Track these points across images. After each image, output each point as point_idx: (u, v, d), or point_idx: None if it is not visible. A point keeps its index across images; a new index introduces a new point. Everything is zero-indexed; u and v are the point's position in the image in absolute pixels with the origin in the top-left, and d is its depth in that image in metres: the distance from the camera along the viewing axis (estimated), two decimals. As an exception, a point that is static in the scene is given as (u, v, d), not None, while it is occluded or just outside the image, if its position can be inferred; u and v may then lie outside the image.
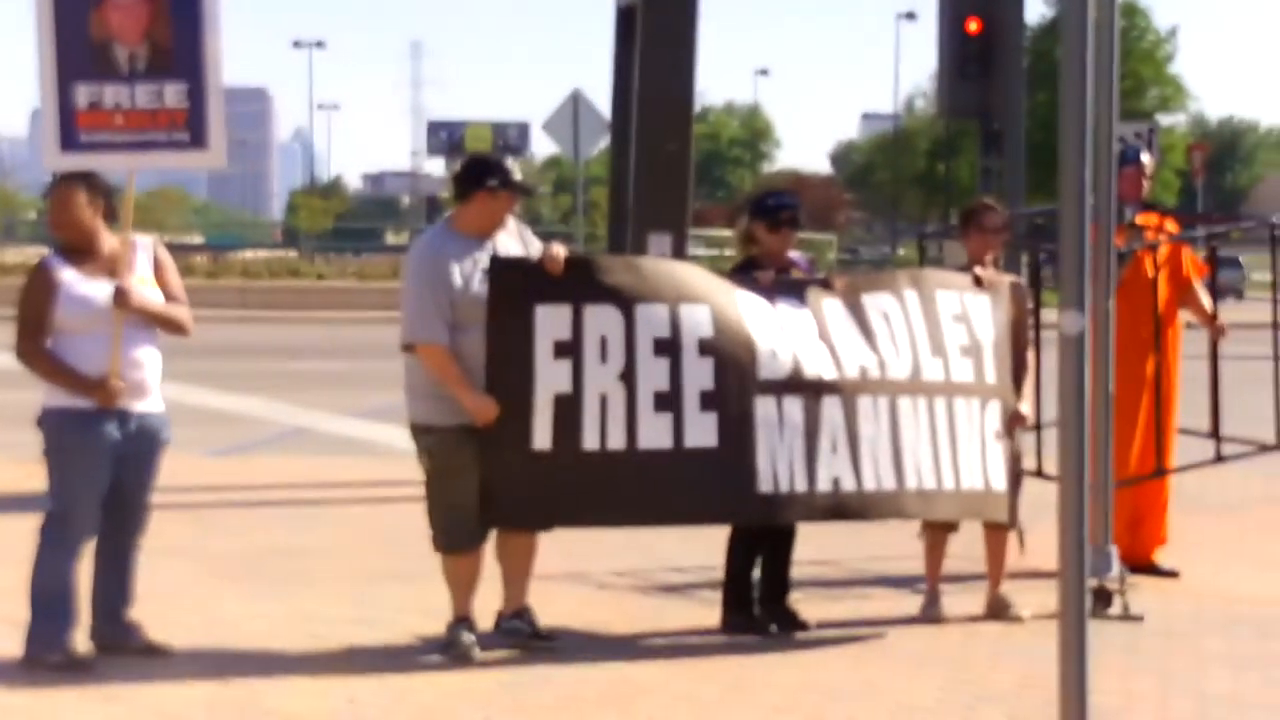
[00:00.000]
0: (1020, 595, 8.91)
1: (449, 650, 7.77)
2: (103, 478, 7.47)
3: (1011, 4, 18.73)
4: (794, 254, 8.74)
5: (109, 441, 7.47)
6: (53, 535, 7.51)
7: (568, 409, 7.73)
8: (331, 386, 20.88)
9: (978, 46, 18.43)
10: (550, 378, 7.72)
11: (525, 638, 7.98)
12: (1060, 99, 5.74)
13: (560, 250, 7.81)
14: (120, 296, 7.43)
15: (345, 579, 9.49)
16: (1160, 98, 76.11)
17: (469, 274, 7.68)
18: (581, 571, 9.73)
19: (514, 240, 7.88)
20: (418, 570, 9.62)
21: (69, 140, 7.65)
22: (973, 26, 18.39)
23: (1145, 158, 10.53)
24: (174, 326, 7.66)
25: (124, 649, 7.66)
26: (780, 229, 8.59)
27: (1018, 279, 9.19)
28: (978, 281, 8.76)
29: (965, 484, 8.47)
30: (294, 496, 12.27)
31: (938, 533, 8.85)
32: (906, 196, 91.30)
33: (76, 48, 7.63)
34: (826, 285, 8.38)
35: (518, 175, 8.00)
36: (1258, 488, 13.27)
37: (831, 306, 8.31)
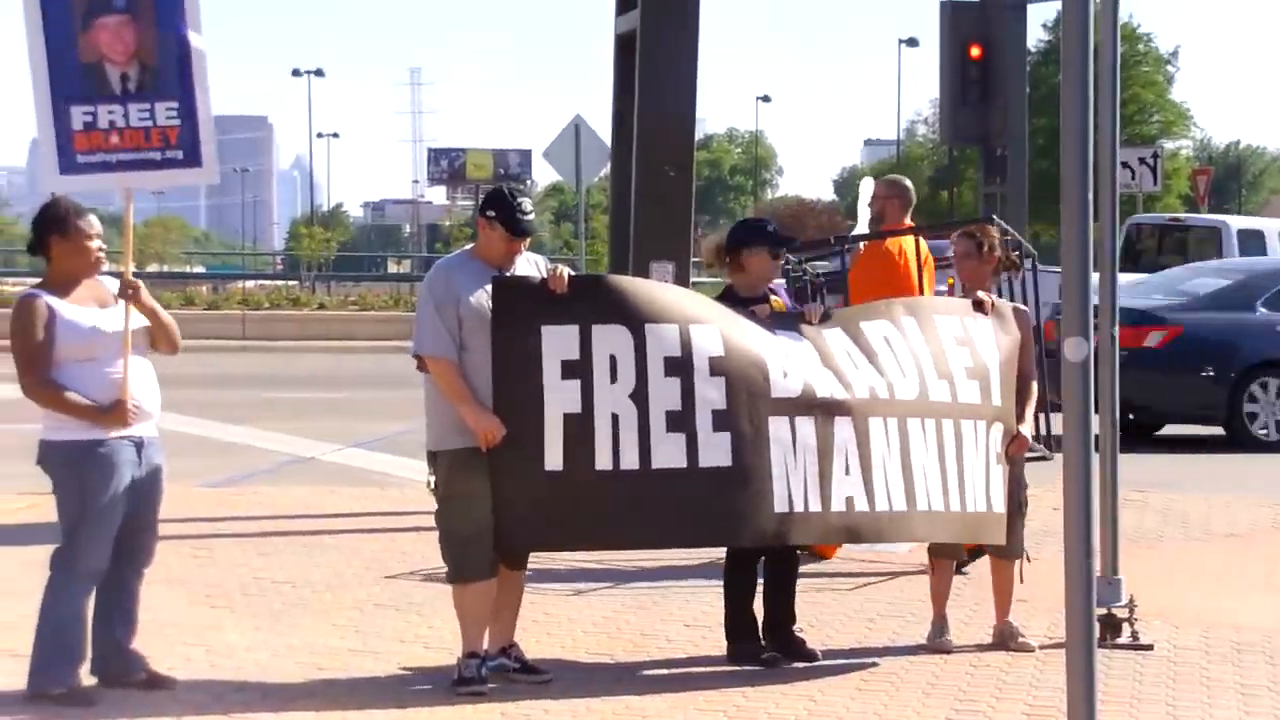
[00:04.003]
0: (1029, 622, 8.86)
1: (460, 686, 7.70)
2: (120, 510, 7.41)
3: (1013, 29, 18.74)
4: (775, 281, 8.74)
5: (128, 471, 7.41)
6: (65, 568, 7.42)
7: (579, 429, 7.67)
8: (332, 416, 20.82)
9: (979, 72, 18.43)
10: (560, 398, 7.67)
11: (511, 674, 7.91)
12: (1061, 123, 5.70)
13: (565, 270, 7.78)
14: (128, 288, 7.37)
15: (347, 610, 9.43)
16: (1163, 123, 76.19)
17: (478, 295, 7.65)
18: (584, 601, 9.68)
19: (530, 270, 7.84)
20: (420, 601, 9.58)
21: (67, 163, 7.62)
22: (974, 52, 18.39)
23: None
24: (171, 337, 7.60)
25: (127, 681, 7.59)
26: (778, 258, 8.59)
27: (1020, 305, 9.13)
28: (979, 306, 8.70)
29: (969, 506, 8.43)
30: (295, 527, 12.21)
31: (942, 560, 8.80)
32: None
33: (69, 70, 7.61)
34: (802, 319, 8.31)
35: (527, 215, 7.81)
36: (1266, 515, 13.21)
37: (832, 333, 8.27)
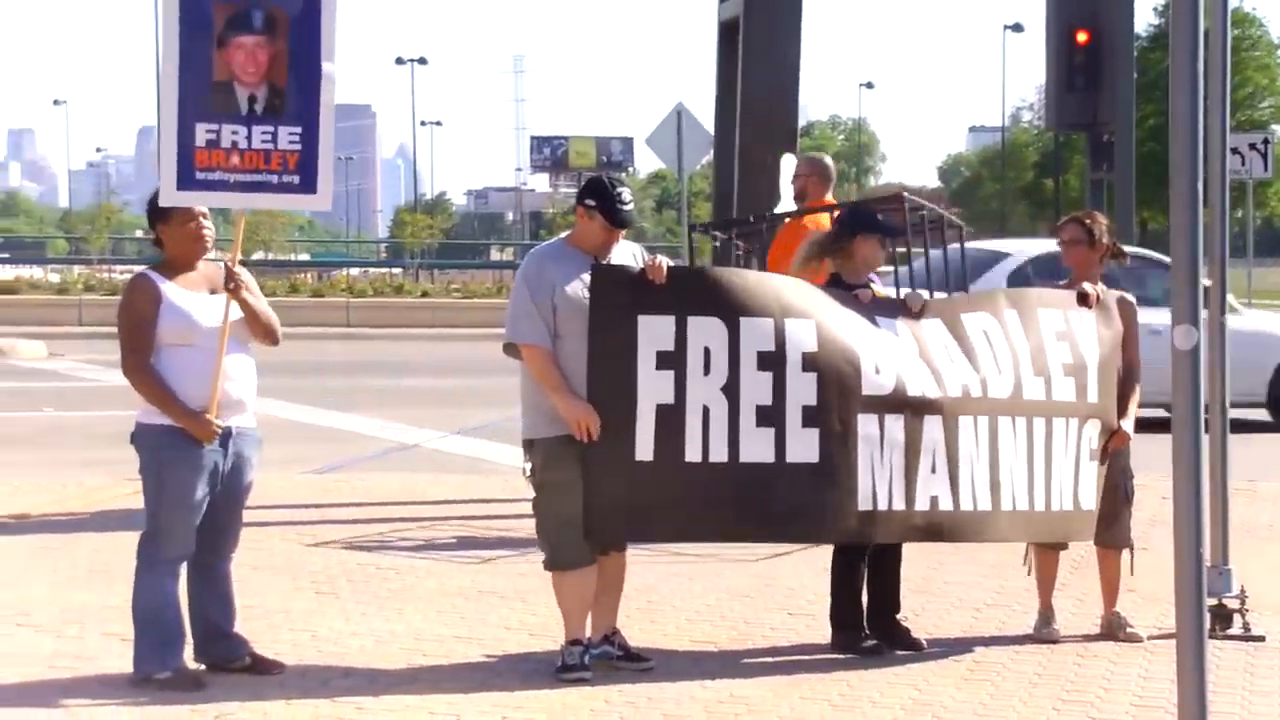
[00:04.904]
0: (1137, 613, 8.77)
1: (563, 673, 7.71)
2: (202, 496, 7.47)
3: (1121, 14, 18.49)
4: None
5: (210, 459, 7.47)
6: (150, 553, 7.52)
7: (670, 420, 7.66)
8: (436, 404, 20.94)
9: (1086, 58, 18.21)
10: (652, 388, 7.66)
11: (614, 661, 7.91)
12: (1171, 110, 5.62)
13: (664, 261, 7.76)
14: (233, 279, 7.44)
15: (451, 596, 9.47)
16: (1275, 107, 75.17)
17: (573, 284, 7.65)
18: (687, 589, 9.67)
19: (627, 259, 7.82)
20: (524, 588, 9.60)
21: (185, 177, 7.68)
22: (1081, 37, 18.17)
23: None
24: (269, 331, 7.66)
25: (232, 666, 7.66)
26: (885, 246, 8.54)
27: (1127, 295, 9.00)
28: (1084, 298, 8.59)
29: (1055, 505, 8.36)
30: (399, 514, 12.28)
31: (1048, 551, 8.72)
32: (1015, 210, 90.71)
33: (199, 87, 7.65)
34: (906, 309, 8.26)
35: (626, 205, 7.79)
36: (1377, 504, 13.02)
37: (931, 325, 8.21)
